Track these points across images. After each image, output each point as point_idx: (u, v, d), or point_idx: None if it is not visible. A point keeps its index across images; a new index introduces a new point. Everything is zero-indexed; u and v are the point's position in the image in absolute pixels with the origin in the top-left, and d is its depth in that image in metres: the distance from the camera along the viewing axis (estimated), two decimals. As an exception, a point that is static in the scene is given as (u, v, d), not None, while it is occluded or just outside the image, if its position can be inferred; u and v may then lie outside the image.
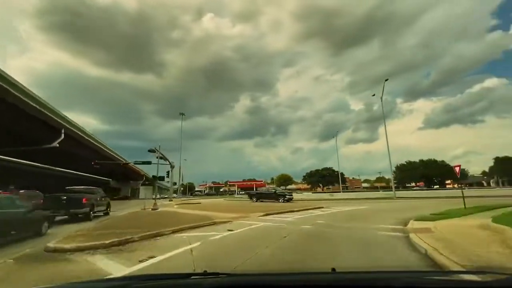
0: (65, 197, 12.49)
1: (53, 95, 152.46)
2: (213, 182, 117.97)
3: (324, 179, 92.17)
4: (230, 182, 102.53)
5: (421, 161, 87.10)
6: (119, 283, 1.46)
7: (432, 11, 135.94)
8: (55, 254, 5.80)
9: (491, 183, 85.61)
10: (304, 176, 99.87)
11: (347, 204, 21.79)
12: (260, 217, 12.14)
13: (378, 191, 55.58)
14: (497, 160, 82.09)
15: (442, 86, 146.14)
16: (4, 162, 32.58)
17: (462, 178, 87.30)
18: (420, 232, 7.10)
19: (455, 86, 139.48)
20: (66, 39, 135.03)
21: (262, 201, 27.35)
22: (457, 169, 13.01)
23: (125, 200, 50.08)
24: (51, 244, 6.29)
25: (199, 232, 8.24)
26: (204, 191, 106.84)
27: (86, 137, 32.71)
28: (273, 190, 30.36)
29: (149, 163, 30.13)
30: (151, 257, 5.32)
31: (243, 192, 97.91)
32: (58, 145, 26.79)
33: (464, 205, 12.68)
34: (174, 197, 50.34)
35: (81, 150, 34.54)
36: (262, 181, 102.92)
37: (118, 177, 61.71)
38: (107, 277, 4.01)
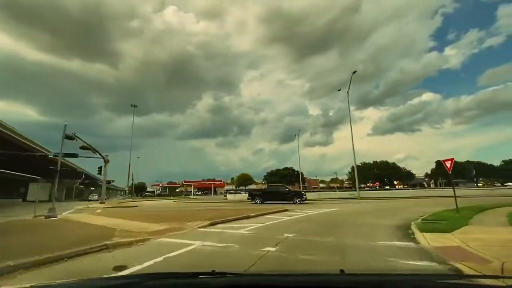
0: None
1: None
2: (169, 182, 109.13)
3: (285, 178, 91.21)
4: (186, 181, 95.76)
5: (375, 162, 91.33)
6: (128, 281, 1.43)
7: (382, 29, 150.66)
8: None
9: (431, 184, 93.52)
10: (264, 176, 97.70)
11: (314, 205, 19.00)
12: (201, 229, 8.23)
13: (335, 191, 55.22)
14: (438, 163, 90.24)
15: (388, 97, 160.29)
16: None
17: (409, 179, 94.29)
18: (463, 259, 4.02)
19: (399, 97, 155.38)
20: (5, 19, 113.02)
21: (269, 203, 20.98)
22: (448, 164, 10.75)
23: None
24: None
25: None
26: (156, 191, 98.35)
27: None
28: (286, 188, 24.22)
29: (75, 155, 23.99)
30: None
31: (200, 193, 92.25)
32: None
33: (457, 207, 10.43)
34: (121, 198, 43.35)
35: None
36: (221, 181, 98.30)
37: (47, 175, 51.79)
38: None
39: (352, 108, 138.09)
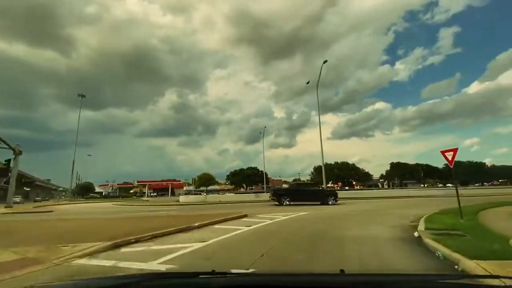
0: None
1: None
2: (124, 182, 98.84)
3: (249, 178, 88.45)
4: (140, 181, 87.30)
5: (336, 163, 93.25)
6: (129, 281, 1.36)
7: (342, 40, 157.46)
8: None
9: (384, 185, 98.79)
10: (227, 176, 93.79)
11: (279, 208, 16.01)
12: (77, 262, 4.51)
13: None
14: (392, 165, 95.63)
15: (346, 104, 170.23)
16: None
17: (367, 180, 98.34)
18: None
19: (355, 105, 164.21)
20: None
21: (297, 204, 17.68)
22: (449, 155, 8.47)
23: None
24: None
25: None
26: (105, 192, 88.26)
27: None
28: (318, 187, 21.65)
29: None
30: None
31: (155, 194, 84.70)
32: None
33: (461, 213, 8.12)
34: (62, 199, 36.03)
35: None
36: (180, 181, 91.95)
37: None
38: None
39: (313, 113, 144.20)
